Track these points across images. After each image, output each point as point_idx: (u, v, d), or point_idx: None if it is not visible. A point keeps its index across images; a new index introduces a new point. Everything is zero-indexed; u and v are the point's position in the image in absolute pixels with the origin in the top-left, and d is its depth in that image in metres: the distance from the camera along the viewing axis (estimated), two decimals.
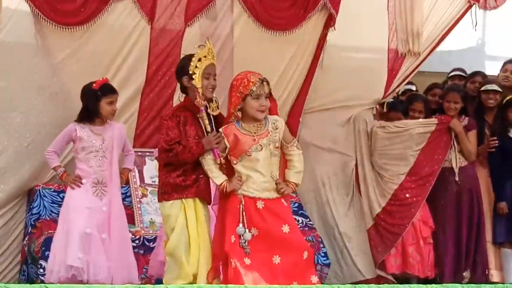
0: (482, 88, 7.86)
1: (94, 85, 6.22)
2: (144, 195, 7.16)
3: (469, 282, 7.41)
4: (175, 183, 5.39)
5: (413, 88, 8.69)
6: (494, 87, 7.82)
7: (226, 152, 5.30)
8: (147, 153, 7.28)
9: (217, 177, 5.32)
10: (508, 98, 7.69)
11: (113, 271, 6.13)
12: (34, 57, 6.97)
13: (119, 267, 6.16)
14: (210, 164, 5.35)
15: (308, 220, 7.57)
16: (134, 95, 7.37)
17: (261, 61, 7.45)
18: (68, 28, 6.97)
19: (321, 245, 7.39)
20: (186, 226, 5.39)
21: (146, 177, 7.23)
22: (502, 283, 7.32)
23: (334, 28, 7.76)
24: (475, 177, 7.65)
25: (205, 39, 5.53)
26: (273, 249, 5.18)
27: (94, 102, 6.20)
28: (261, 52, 7.59)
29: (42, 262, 6.42)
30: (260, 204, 5.23)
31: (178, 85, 5.67)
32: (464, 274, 7.49)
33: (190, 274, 5.37)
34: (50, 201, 6.93)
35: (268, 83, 5.29)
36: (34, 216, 6.87)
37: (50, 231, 6.57)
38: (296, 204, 7.52)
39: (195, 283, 5.32)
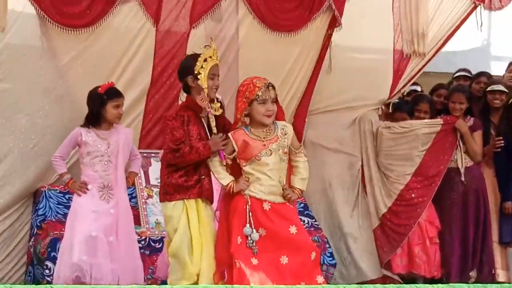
0: (488, 89, 7.87)
1: (99, 89, 6.23)
2: (149, 196, 7.18)
3: (476, 282, 7.40)
4: (178, 183, 5.40)
5: (418, 88, 8.70)
6: (500, 87, 7.83)
7: (234, 155, 5.31)
8: (153, 154, 7.30)
9: (224, 178, 5.33)
10: None
11: (118, 273, 6.14)
12: (39, 59, 6.98)
13: (125, 269, 6.17)
14: (217, 166, 5.37)
15: (314, 220, 7.58)
16: (139, 96, 7.37)
17: (266, 62, 7.48)
18: (73, 31, 6.98)
19: (327, 246, 7.39)
20: (188, 227, 5.40)
21: (152, 178, 7.24)
22: (509, 283, 7.33)
23: (340, 27, 7.75)
24: (481, 177, 7.65)
25: (209, 43, 5.52)
26: (281, 250, 5.20)
27: (100, 106, 6.20)
28: (266, 53, 7.61)
29: (48, 263, 6.44)
30: (266, 206, 5.26)
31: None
32: (470, 274, 7.49)
33: (194, 274, 5.38)
34: (56, 202, 6.94)
35: (274, 88, 5.31)
36: (39, 217, 6.88)
37: (55, 232, 6.59)
38: (302, 205, 7.52)
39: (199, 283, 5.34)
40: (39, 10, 6.82)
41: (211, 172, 5.48)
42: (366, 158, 7.97)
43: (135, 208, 6.90)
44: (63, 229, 6.34)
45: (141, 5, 7.21)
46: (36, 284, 6.54)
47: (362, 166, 8.00)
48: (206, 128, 5.45)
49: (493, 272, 7.55)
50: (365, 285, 7.40)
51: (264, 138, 5.29)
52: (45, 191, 6.97)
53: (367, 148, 7.97)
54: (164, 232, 6.50)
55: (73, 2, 6.99)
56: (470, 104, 7.78)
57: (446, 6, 8.12)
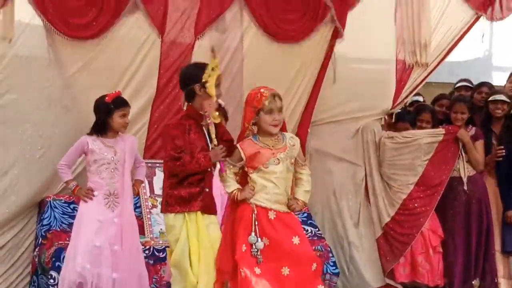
0: (490, 98, 7.89)
1: (106, 98, 6.26)
2: (154, 206, 7.21)
3: None
4: (180, 195, 5.46)
5: (421, 99, 8.75)
6: (502, 97, 7.85)
7: (242, 164, 5.36)
8: (157, 164, 7.32)
9: (229, 186, 5.37)
10: None
11: (124, 282, 6.17)
12: (46, 70, 7.01)
13: (131, 277, 6.20)
14: (225, 175, 5.40)
15: (317, 230, 7.60)
16: (144, 107, 7.41)
17: (270, 72, 7.53)
18: (80, 42, 7.02)
19: (330, 255, 7.40)
20: (188, 238, 5.45)
21: (156, 188, 7.27)
22: None
23: (342, 39, 7.80)
24: (484, 187, 7.68)
25: (212, 52, 5.57)
26: (283, 261, 5.22)
27: (106, 115, 6.24)
28: (270, 64, 7.65)
29: (52, 272, 6.45)
30: (272, 215, 5.27)
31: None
32: (473, 282, 7.51)
33: (195, 284, 5.43)
34: (61, 212, 6.97)
35: (280, 98, 5.35)
36: (44, 227, 6.90)
37: (60, 242, 6.61)
38: (305, 214, 7.55)
39: None
40: (46, 22, 6.85)
41: (212, 184, 5.54)
42: (369, 167, 8.01)
43: (139, 218, 6.90)
44: (67, 239, 6.37)
45: (146, 17, 7.25)
46: None
47: (365, 175, 8.04)
48: (207, 137, 5.49)
49: (495, 281, 7.57)
50: None
51: (272, 146, 5.33)
52: (50, 201, 7.00)
53: (370, 158, 8.01)
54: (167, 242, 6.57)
55: (80, 13, 7.01)
56: (472, 114, 7.82)
57: (448, 16, 8.16)
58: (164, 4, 7.32)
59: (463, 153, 7.65)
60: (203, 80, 5.41)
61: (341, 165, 8.11)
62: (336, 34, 7.86)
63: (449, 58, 8.42)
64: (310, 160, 7.90)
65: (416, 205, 7.66)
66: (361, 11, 7.90)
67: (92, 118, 6.40)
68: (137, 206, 7.03)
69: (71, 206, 6.94)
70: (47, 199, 7.03)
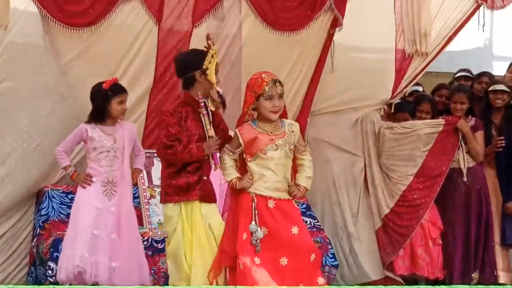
0: (490, 88, 7.85)
1: (104, 85, 6.22)
2: (152, 196, 7.16)
3: (478, 284, 7.43)
4: (178, 185, 5.42)
5: (420, 89, 8.70)
6: (502, 87, 7.81)
7: (240, 150, 5.31)
8: (155, 154, 7.23)
9: (229, 174, 5.36)
10: None
11: (121, 271, 6.13)
12: (42, 58, 6.95)
13: (130, 268, 6.17)
14: (225, 163, 5.38)
15: (316, 221, 7.56)
16: (142, 96, 7.36)
17: (269, 61, 7.44)
18: (76, 29, 6.94)
19: (329, 246, 7.37)
20: (182, 229, 5.42)
21: (154, 178, 7.21)
22: (510, 285, 7.35)
23: (341, 28, 7.74)
24: (483, 178, 7.64)
25: (211, 39, 5.50)
26: (281, 251, 5.20)
27: (104, 102, 6.20)
28: (269, 52, 7.58)
29: (50, 263, 6.42)
30: (271, 204, 5.26)
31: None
32: (472, 275, 7.48)
33: (189, 274, 5.41)
34: (59, 203, 6.94)
35: (281, 84, 5.31)
36: (42, 217, 6.87)
37: (58, 233, 6.57)
38: (304, 205, 7.52)
39: None
40: (41, 9, 6.78)
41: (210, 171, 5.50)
42: (368, 158, 7.97)
43: (137, 208, 6.87)
44: (65, 230, 6.31)
45: (143, 4, 7.18)
46: (39, 285, 6.54)
47: (364, 166, 8.00)
48: (204, 124, 5.43)
49: (495, 273, 7.55)
50: (367, 286, 7.46)
51: (271, 132, 5.31)
52: (48, 191, 6.96)
53: (369, 149, 7.96)
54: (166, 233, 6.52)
55: (75, 1, 6.95)
56: (472, 104, 7.78)
57: (448, 5, 8.11)
58: None
59: (462, 144, 7.61)
60: (204, 67, 5.36)
61: (340, 155, 8.06)
62: (336, 23, 7.78)
63: (449, 47, 8.39)
64: (310, 148, 7.82)
65: (415, 196, 7.62)
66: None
67: (88, 106, 6.36)
68: (135, 197, 6.98)
69: (69, 196, 6.89)
70: (45, 189, 7.00)
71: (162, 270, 6.64)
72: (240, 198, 5.31)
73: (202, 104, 5.42)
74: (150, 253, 6.66)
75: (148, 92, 7.39)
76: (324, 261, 7.10)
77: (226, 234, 5.36)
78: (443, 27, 8.12)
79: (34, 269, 6.84)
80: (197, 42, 7.18)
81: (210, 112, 5.47)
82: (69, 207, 6.50)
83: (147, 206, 7.09)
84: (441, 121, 7.70)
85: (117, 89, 6.24)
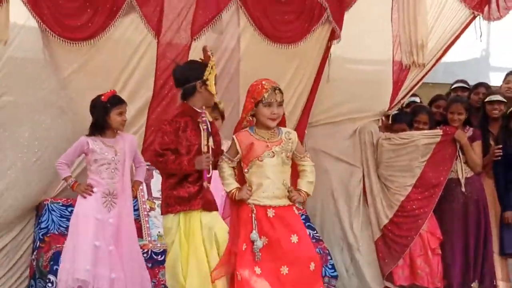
0: (487, 99, 7.87)
1: (102, 97, 6.25)
2: (152, 209, 7.18)
3: None
4: (179, 195, 5.43)
5: (417, 100, 8.72)
6: (499, 97, 7.84)
7: (238, 157, 5.34)
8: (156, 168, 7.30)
9: (229, 184, 5.36)
10: None
11: (125, 284, 6.15)
12: (41, 72, 6.98)
13: (133, 280, 6.19)
14: (224, 171, 5.39)
15: (315, 232, 7.58)
16: (141, 109, 7.39)
17: (267, 74, 7.27)
18: (75, 43, 6.97)
19: (329, 257, 7.38)
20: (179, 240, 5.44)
21: (154, 191, 7.24)
22: None
23: (339, 40, 7.77)
24: (482, 188, 7.66)
25: (209, 51, 5.53)
26: (281, 260, 5.21)
27: (104, 114, 6.23)
28: (267, 65, 7.58)
29: (50, 276, 6.41)
30: (270, 213, 5.26)
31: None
32: (472, 285, 7.49)
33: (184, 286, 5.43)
34: (59, 215, 6.96)
35: (281, 92, 5.34)
36: (42, 230, 6.89)
37: (58, 245, 6.57)
38: (304, 216, 7.52)
39: None
40: (41, 23, 6.81)
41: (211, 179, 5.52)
42: (367, 169, 7.99)
43: (137, 221, 6.89)
44: (65, 241, 6.30)
45: (142, 18, 7.20)
46: None
47: (363, 176, 8.02)
48: (202, 138, 5.45)
49: (494, 283, 7.56)
50: None
51: (268, 139, 5.32)
52: (47, 204, 6.99)
53: (368, 159, 7.99)
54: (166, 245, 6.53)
55: (75, 15, 6.97)
56: (469, 115, 7.80)
57: (445, 16, 8.11)
58: (160, 5, 7.27)
59: (460, 154, 7.63)
60: (205, 78, 5.41)
61: (338, 166, 8.09)
62: (334, 35, 7.81)
63: (446, 58, 8.41)
64: None
65: (414, 206, 7.63)
66: (358, 11, 7.86)
67: (88, 120, 6.38)
68: (135, 209, 6.98)
69: (69, 209, 6.90)
70: (44, 202, 7.02)
71: (162, 282, 6.63)
72: (240, 209, 5.32)
73: (203, 116, 5.45)
74: (150, 265, 6.66)
75: (147, 105, 7.41)
76: (323, 272, 7.11)
77: (232, 236, 5.38)
78: (440, 38, 8.13)
79: (34, 282, 6.84)
80: (196, 55, 7.13)
81: (209, 125, 5.50)
82: (69, 220, 6.48)
83: (146, 219, 7.10)
84: (438, 131, 7.72)
85: (115, 101, 6.27)
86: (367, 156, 7.99)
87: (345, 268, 7.87)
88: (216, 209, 5.59)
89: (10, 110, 6.89)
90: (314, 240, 7.37)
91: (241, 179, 5.39)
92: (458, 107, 7.73)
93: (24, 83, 6.93)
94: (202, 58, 5.58)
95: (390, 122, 8.10)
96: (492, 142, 7.78)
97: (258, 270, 5.18)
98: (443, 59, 8.35)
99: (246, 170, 5.32)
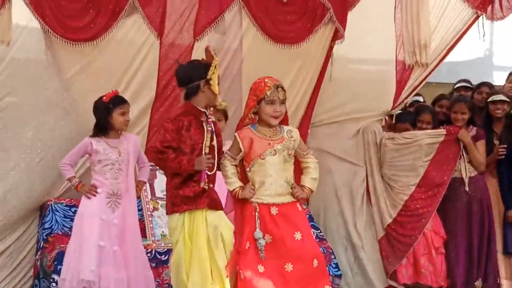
0: (490, 99, 7.87)
1: (104, 98, 6.27)
2: (155, 209, 7.19)
3: None
4: (185, 195, 5.42)
5: (421, 99, 8.72)
6: (502, 97, 7.83)
7: (241, 155, 5.34)
8: (158, 167, 7.29)
9: (232, 183, 5.38)
10: None
11: (130, 284, 6.16)
12: (44, 73, 6.99)
13: (138, 279, 6.19)
14: (227, 170, 5.41)
15: (319, 231, 7.57)
16: (144, 110, 7.38)
17: (270, 74, 7.24)
18: (78, 44, 6.98)
19: (332, 257, 7.37)
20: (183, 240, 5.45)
21: (157, 191, 7.25)
22: None
23: (342, 40, 7.77)
24: (485, 187, 7.65)
25: (212, 51, 5.54)
26: (285, 257, 5.23)
27: (106, 115, 6.24)
28: (270, 65, 7.55)
29: (54, 276, 6.41)
30: (274, 210, 5.28)
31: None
32: (475, 283, 7.48)
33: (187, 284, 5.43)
34: (62, 216, 6.97)
35: (283, 90, 5.35)
36: (46, 230, 6.90)
37: (62, 246, 6.58)
38: (307, 216, 7.49)
39: None
40: (44, 24, 6.82)
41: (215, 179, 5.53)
42: (370, 168, 7.99)
43: (141, 221, 6.89)
44: (69, 241, 6.31)
45: (144, 19, 7.20)
46: None
47: (366, 176, 8.01)
48: (205, 138, 5.44)
49: (498, 282, 7.55)
50: None
51: (270, 137, 5.34)
52: (51, 204, 6.99)
53: (371, 159, 7.98)
54: (170, 245, 6.53)
55: (77, 16, 6.98)
56: (472, 114, 7.80)
57: (448, 16, 8.11)
58: (162, 6, 7.28)
59: (464, 153, 7.62)
60: (208, 77, 5.41)
61: (342, 166, 8.09)
62: (337, 35, 7.81)
63: (450, 58, 8.38)
64: None
65: (418, 206, 7.61)
66: (361, 11, 7.86)
67: (91, 121, 6.39)
68: (138, 209, 6.97)
69: (73, 209, 6.91)
70: (48, 203, 7.03)
71: (165, 282, 6.65)
72: (243, 207, 5.34)
73: (210, 116, 5.45)
74: (153, 265, 6.67)
75: (150, 105, 7.41)
76: (327, 271, 7.10)
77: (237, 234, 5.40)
78: (443, 38, 8.12)
79: (38, 282, 6.85)
80: (198, 55, 7.14)
81: (213, 126, 5.49)
82: (73, 220, 6.50)
83: (150, 219, 7.11)
84: (442, 131, 7.71)
85: (117, 101, 6.28)
86: (371, 155, 7.98)
87: (349, 267, 7.87)
88: (222, 208, 5.59)
89: (13, 111, 6.90)
90: (317, 240, 7.36)
91: (244, 178, 5.40)
92: (461, 106, 7.72)
93: (27, 84, 6.94)
94: (204, 58, 5.59)
95: (393, 121, 8.10)
96: (496, 142, 7.78)
97: (261, 268, 5.20)
98: (447, 59, 8.33)
99: (248, 169, 5.34)
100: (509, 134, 7.70)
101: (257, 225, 5.23)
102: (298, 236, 5.27)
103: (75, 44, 6.99)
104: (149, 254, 6.68)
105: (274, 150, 5.30)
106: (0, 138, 6.88)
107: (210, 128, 5.44)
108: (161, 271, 6.70)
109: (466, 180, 7.58)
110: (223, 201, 5.59)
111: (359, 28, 7.89)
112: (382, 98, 8.16)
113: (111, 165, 6.25)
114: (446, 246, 7.58)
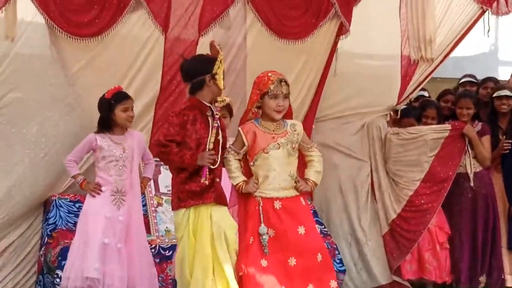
0: (495, 94, 7.87)
1: (106, 94, 6.27)
2: (159, 204, 7.18)
3: (485, 287, 7.44)
4: (191, 189, 5.40)
5: (426, 94, 8.72)
6: (507, 92, 7.83)
7: (244, 150, 5.34)
8: (162, 163, 7.29)
9: (235, 177, 5.40)
10: None
11: (133, 281, 6.16)
12: (49, 69, 6.97)
13: (142, 276, 6.19)
14: (230, 164, 5.42)
15: (323, 227, 7.56)
16: (148, 105, 7.37)
17: (274, 69, 7.35)
18: (82, 40, 6.97)
19: (337, 252, 7.37)
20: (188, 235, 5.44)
21: (161, 186, 7.24)
22: None
23: (347, 35, 7.75)
24: (490, 182, 7.66)
25: (217, 45, 5.53)
26: (289, 251, 5.26)
27: (109, 111, 6.23)
28: (274, 61, 7.51)
29: (58, 272, 6.40)
30: (277, 205, 5.31)
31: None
32: (480, 279, 7.50)
33: (190, 281, 5.43)
34: (66, 211, 6.97)
35: (287, 84, 5.35)
36: (50, 226, 6.89)
37: (66, 241, 6.58)
38: (311, 211, 7.50)
39: None
40: (48, 20, 6.81)
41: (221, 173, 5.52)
42: (375, 164, 7.98)
43: (145, 216, 6.85)
44: (73, 238, 6.32)
45: (149, 14, 7.18)
46: None
47: (371, 171, 8.00)
48: (210, 134, 5.44)
49: (502, 277, 7.55)
50: None
51: (273, 131, 5.36)
52: (55, 200, 6.99)
53: (376, 154, 7.98)
54: (174, 240, 6.54)
55: (82, 11, 6.98)
56: (478, 109, 7.81)
57: (453, 11, 8.10)
58: (167, 1, 7.26)
59: (469, 148, 7.62)
60: (214, 72, 5.40)
61: (346, 161, 8.07)
62: (342, 30, 7.79)
63: (455, 53, 8.36)
64: None
65: (422, 201, 7.62)
66: (366, 6, 7.84)
67: (96, 116, 6.40)
68: (142, 205, 6.98)
69: (77, 205, 6.92)
70: (52, 198, 7.02)
71: (169, 277, 6.65)
72: (247, 202, 5.36)
73: (217, 113, 5.42)
74: (157, 260, 6.66)
75: (155, 100, 7.40)
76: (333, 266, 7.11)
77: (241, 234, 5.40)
78: (449, 33, 8.11)
79: (42, 278, 6.86)
80: (203, 50, 7.11)
81: (218, 123, 5.48)
82: (77, 215, 6.53)
83: (154, 214, 7.11)
84: (447, 126, 7.71)
85: (120, 97, 6.26)
86: (375, 151, 7.98)
87: (353, 263, 7.86)
88: (227, 204, 5.59)
89: (17, 106, 6.88)
90: (322, 235, 7.35)
91: (248, 172, 5.41)
92: (466, 101, 7.74)
93: (32, 79, 6.92)
94: (209, 53, 5.58)
95: (398, 116, 8.11)
96: (501, 137, 7.78)
97: (264, 262, 5.22)
98: (452, 54, 8.31)
99: (252, 163, 5.35)
100: None
101: (261, 219, 5.24)
102: (301, 230, 5.29)
103: (80, 40, 6.98)
104: (153, 250, 6.66)
105: (278, 144, 5.32)
106: (4, 133, 6.87)
107: (216, 124, 5.43)
108: (165, 266, 6.70)
109: (471, 176, 7.59)
110: (227, 196, 5.59)
111: (364, 23, 7.87)
112: (387, 93, 8.15)
113: (115, 162, 6.24)
114: (451, 242, 7.59)
